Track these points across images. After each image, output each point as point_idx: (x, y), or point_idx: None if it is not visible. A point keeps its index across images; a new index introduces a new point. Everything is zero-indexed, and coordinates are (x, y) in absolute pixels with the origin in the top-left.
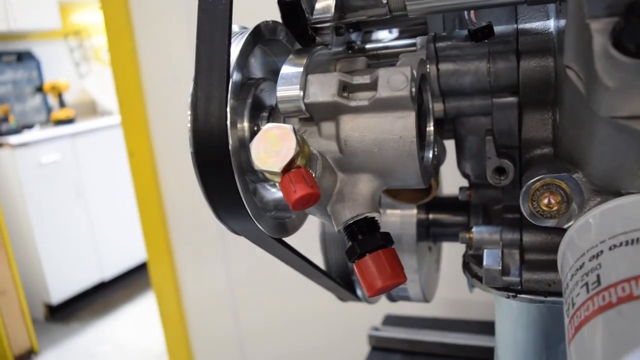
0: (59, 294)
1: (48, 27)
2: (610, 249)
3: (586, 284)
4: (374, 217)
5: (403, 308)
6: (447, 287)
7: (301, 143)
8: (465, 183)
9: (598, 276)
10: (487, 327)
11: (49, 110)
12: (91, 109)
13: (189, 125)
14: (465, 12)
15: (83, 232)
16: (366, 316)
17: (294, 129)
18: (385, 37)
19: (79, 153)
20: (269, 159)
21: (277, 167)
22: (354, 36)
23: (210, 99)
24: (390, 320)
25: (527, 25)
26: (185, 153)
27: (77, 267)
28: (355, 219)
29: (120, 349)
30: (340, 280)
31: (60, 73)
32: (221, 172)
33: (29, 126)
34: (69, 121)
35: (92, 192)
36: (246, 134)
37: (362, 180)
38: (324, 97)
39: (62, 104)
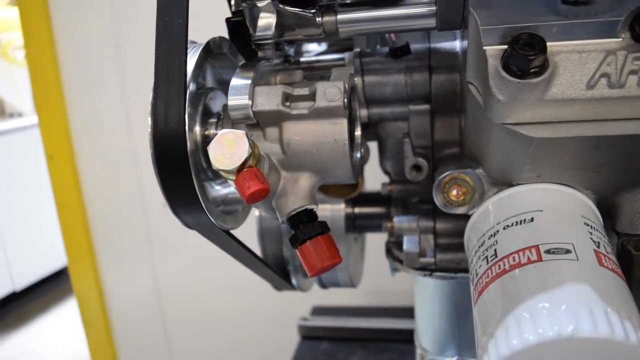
0: None
1: None
2: (504, 228)
3: (486, 257)
4: (312, 209)
5: (328, 300)
6: (370, 279)
7: (252, 146)
8: (384, 179)
9: (495, 250)
10: (405, 312)
11: None
12: None
13: (149, 130)
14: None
15: None
16: (295, 310)
17: (246, 133)
18: (314, 48)
19: None
20: (225, 160)
21: (233, 166)
22: (287, 47)
23: (169, 107)
24: (318, 311)
25: (438, 45)
26: (107, 154)
27: None
28: (297, 211)
29: None
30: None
31: None
32: (179, 171)
33: None
34: None
35: None
36: (198, 138)
37: (302, 177)
38: (269, 106)
39: None
